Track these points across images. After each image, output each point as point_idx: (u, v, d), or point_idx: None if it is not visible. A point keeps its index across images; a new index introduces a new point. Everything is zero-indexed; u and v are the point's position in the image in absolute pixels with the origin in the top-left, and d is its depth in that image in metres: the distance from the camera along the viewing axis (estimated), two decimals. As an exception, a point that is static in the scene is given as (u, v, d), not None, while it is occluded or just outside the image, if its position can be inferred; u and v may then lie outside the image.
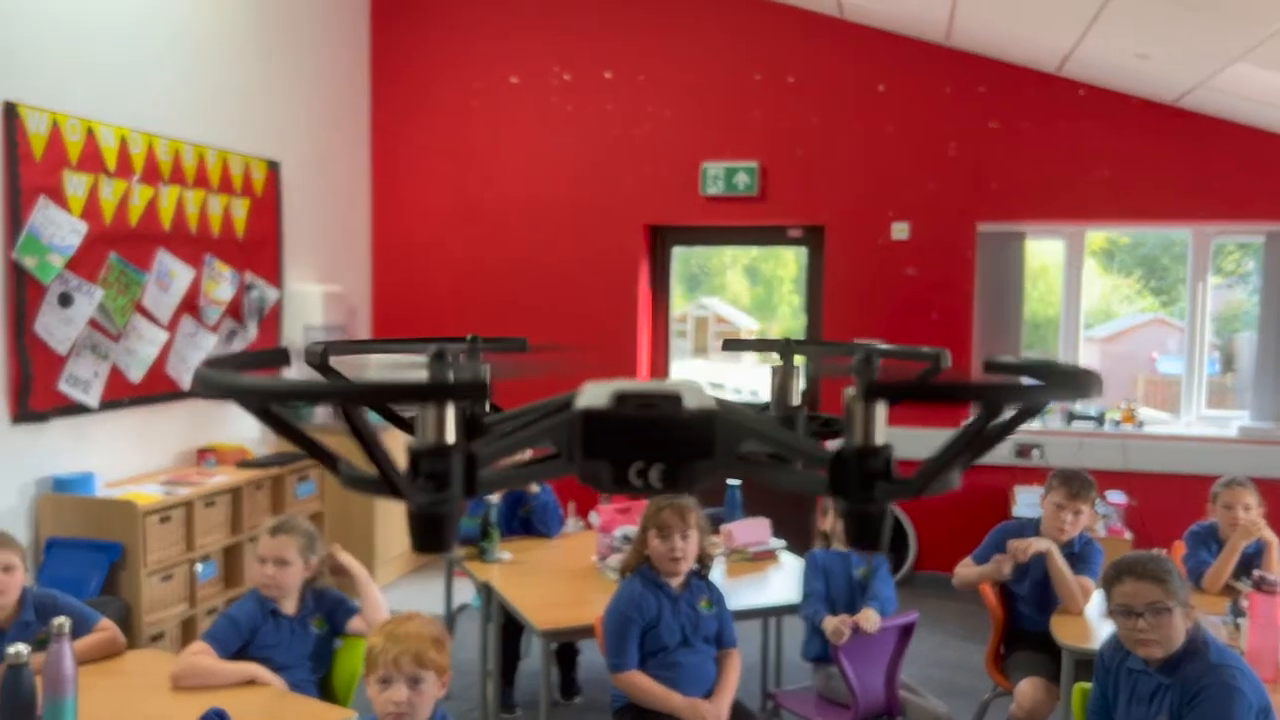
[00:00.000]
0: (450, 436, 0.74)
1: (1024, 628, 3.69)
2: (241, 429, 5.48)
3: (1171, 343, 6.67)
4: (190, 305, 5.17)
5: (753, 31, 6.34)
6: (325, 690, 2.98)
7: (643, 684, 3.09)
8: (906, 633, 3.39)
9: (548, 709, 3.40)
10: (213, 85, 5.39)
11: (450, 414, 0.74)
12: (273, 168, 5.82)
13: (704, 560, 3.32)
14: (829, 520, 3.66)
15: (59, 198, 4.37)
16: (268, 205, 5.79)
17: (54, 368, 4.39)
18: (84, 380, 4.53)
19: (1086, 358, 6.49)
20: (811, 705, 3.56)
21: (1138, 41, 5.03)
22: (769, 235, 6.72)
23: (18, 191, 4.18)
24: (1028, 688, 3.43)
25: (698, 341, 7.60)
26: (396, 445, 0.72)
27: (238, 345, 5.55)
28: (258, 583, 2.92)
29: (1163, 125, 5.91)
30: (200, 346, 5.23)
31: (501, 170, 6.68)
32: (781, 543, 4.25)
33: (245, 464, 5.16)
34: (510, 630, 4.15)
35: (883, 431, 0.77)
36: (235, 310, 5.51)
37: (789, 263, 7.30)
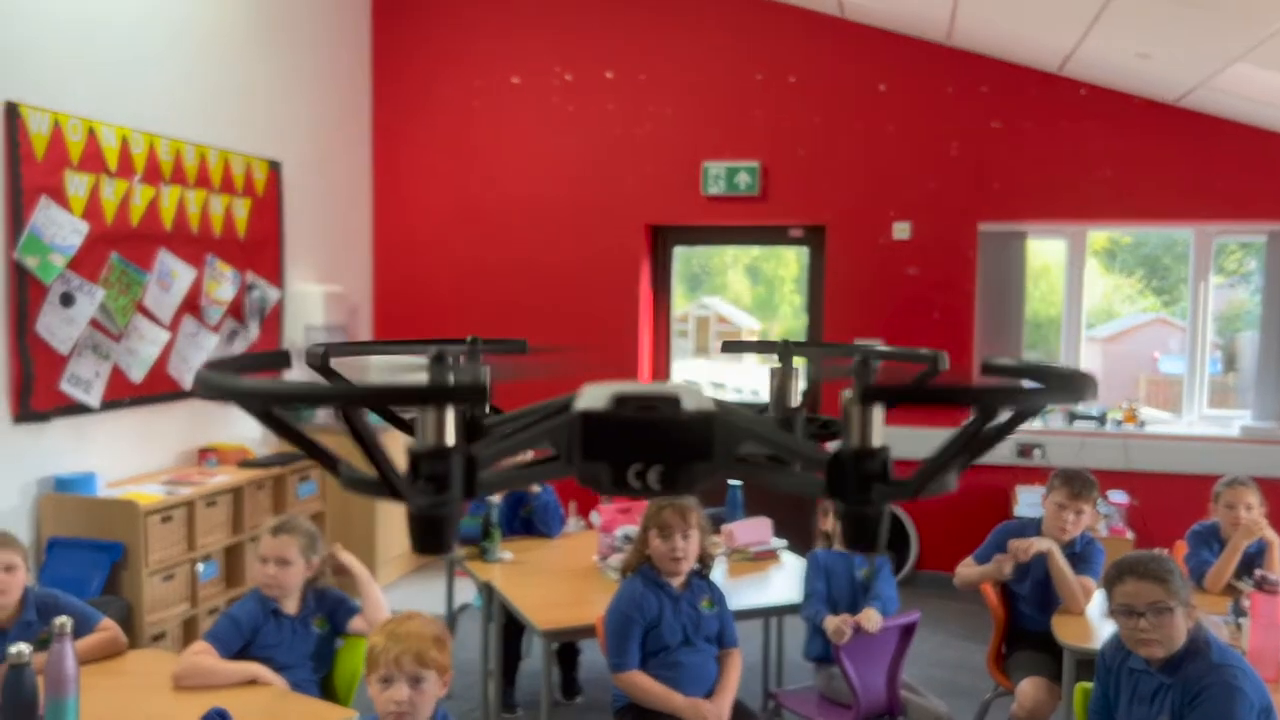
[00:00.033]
0: (450, 439, 0.74)
1: (1025, 627, 3.69)
2: (243, 429, 5.49)
3: (1173, 342, 6.67)
4: (192, 305, 5.17)
5: (754, 31, 6.34)
6: (326, 690, 2.98)
7: (644, 684, 3.09)
8: (908, 632, 3.39)
9: (549, 709, 3.40)
10: (214, 85, 5.39)
11: (450, 416, 0.74)
12: (274, 168, 5.83)
13: (705, 560, 3.32)
14: (830, 520, 3.66)
15: (60, 198, 4.37)
16: (269, 205, 5.79)
17: (55, 368, 4.39)
18: (85, 380, 4.54)
19: (1088, 358, 6.48)
20: (813, 705, 3.56)
21: (1139, 41, 5.02)
22: (770, 235, 6.72)
23: (19, 191, 4.19)
24: (1029, 687, 3.43)
25: (699, 341, 7.60)
26: (397, 447, 0.72)
27: (239, 345, 5.55)
28: (259, 582, 2.93)
29: (1164, 125, 5.90)
30: (202, 346, 5.24)
31: (503, 170, 6.69)
32: (783, 542, 4.25)
33: (246, 464, 5.16)
34: (511, 630, 4.15)
35: (880, 434, 0.77)
36: (236, 310, 5.51)
37: (790, 262, 7.31)
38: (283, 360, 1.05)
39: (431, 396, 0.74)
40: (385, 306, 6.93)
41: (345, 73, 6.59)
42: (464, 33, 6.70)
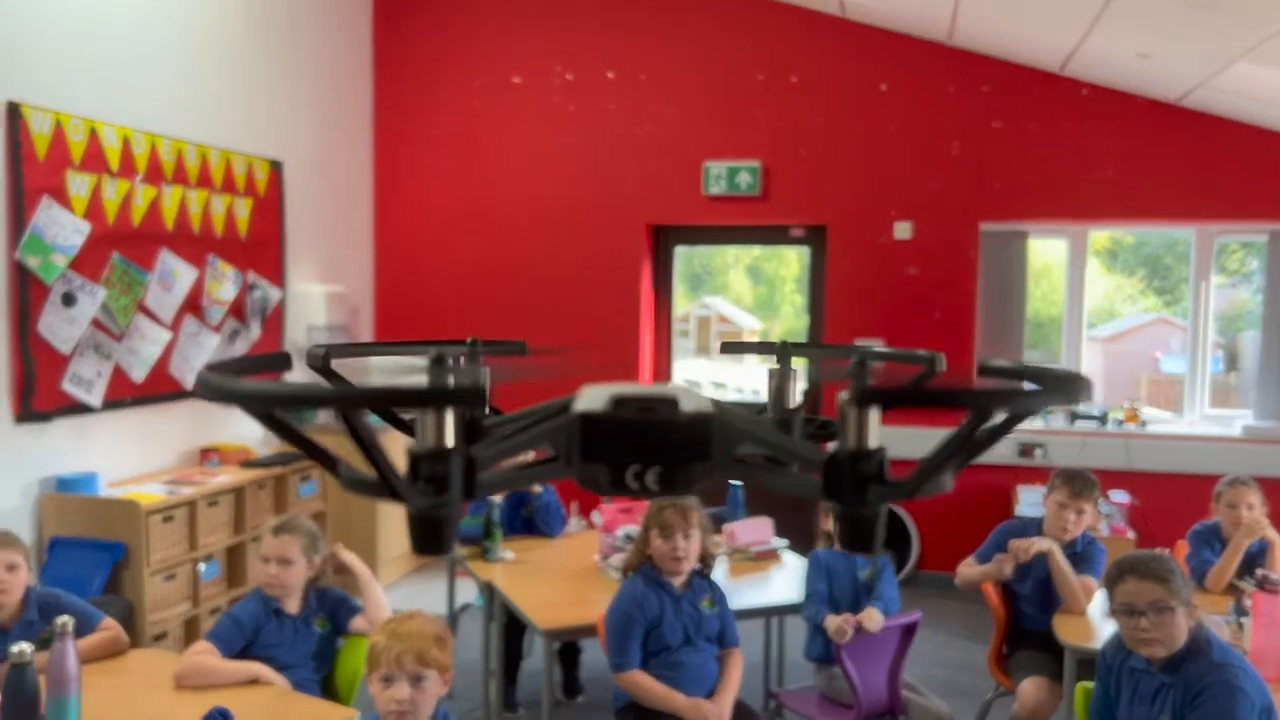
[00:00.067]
0: (449, 440, 0.75)
1: (1026, 627, 3.69)
2: (244, 429, 5.49)
3: (1175, 342, 6.67)
4: (193, 305, 5.18)
5: (755, 31, 6.34)
6: (328, 689, 2.98)
7: (645, 683, 3.09)
8: (909, 632, 3.39)
9: (550, 708, 3.41)
10: (215, 85, 5.40)
11: (449, 418, 0.74)
12: (275, 167, 5.83)
13: (706, 560, 3.32)
14: (832, 520, 3.66)
15: (62, 198, 4.37)
16: (270, 205, 5.80)
17: (57, 367, 4.40)
18: (87, 380, 4.54)
19: (1089, 357, 6.48)
20: (814, 705, 3.56)
21: (1140, 41, 5.02)
22: (771, 235, 6.72)
23: (21, 191, 4.19)
24: (1030, 687, 3.43)
25: (700, 341, 7.60)
26: (397, 447, 0.72)
27: (240, 345, 5.56)
28: (261, 582, 2.93)
29: (1166, 124, 5.90)
30: (203, 346, 5.24)
31: (504, 170, 6.69)
32: (784, 542, 4.25)
33: (248, 464, 5.17)
34: (513, 629, 4.15)
35: (876, 435, 0.77)
36: (238, 310, 5.52)
37: (791, 262, 7.31)
38: (283, 362, 1.06)
39: (431, 399, 0.75)
40: (387, 306, 6.93)
41: (346, 72, 6.59)
42: (465, 32, 6.71)
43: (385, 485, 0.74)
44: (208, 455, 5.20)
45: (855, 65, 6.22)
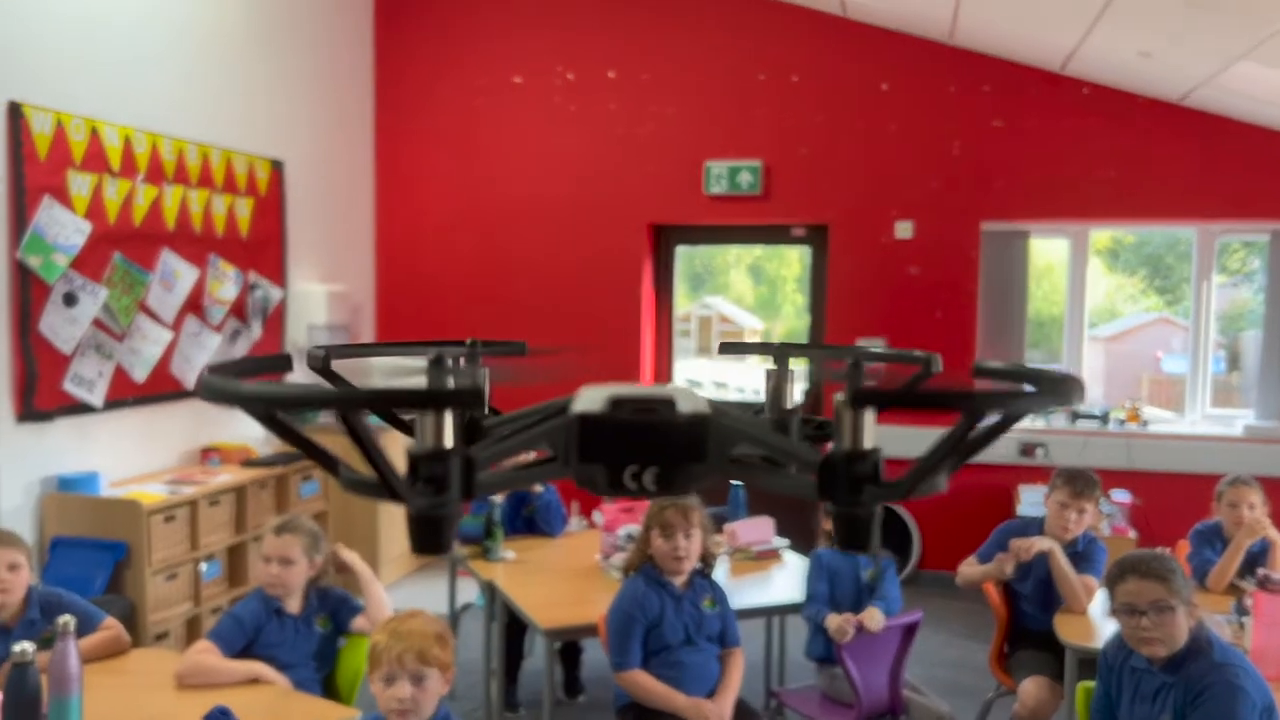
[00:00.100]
0: (448, 441, 0.75)
1: (1028, 627, 3.69)
2: (245, 429, 5.49)
3: (1176, 342, 6.66)
4: (194, 305, 5.18)
5: (756, 30, 6.34)
6: (329, 689, 2.99)
7: (646, 683, 3.09)
8: (910, 632, 3.39)
9: (551, 708, 3.41)
10: (216, 85, 5.40)
11: (448, 419, 0.75)
12: (276, 167, 5.83)
13: (707, 559, 3.32)
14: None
15: (63, 197, 4.38)
16: (271, 205, 5.80)
17: (59, 367, 4.40)
18: (88, 380, 4.55)
19: (1091, 357, 6.48)
20: (815, 704, 3.56)
21: (1141, 40, 5.02)
22: (772, 234, 6.72)
23: (22, 191, 4.20)
24: (1031, 687, 3.43)
25: (701, 341, 7.60)
26: (397, 448, 0.73)
27: (241, 345, 5.57)
28: (262, 582, 2.93)
29: (1167, 124, 5.90)
30: (204, 346, 5.25)
31: (505, 169, 6.69)
32: (785, 542, 4.25)
33: (249, 463, 5.17)
34: (514, 629, 4.16)
35: (872, 436, 0.78)
36: (239, 310, 5.52)
37: (793, 262, 7.31)
38: (284, 363, 1.06)
39: (430, 401, 0.76)
40: (388, 306, 6.94)
41: (347, 72, 6.60)
42: (466, 32, 6.71)
43: (384, 486, 0.74)
44: (209, 455, 5.21)
45: (856, 65, 6.22)
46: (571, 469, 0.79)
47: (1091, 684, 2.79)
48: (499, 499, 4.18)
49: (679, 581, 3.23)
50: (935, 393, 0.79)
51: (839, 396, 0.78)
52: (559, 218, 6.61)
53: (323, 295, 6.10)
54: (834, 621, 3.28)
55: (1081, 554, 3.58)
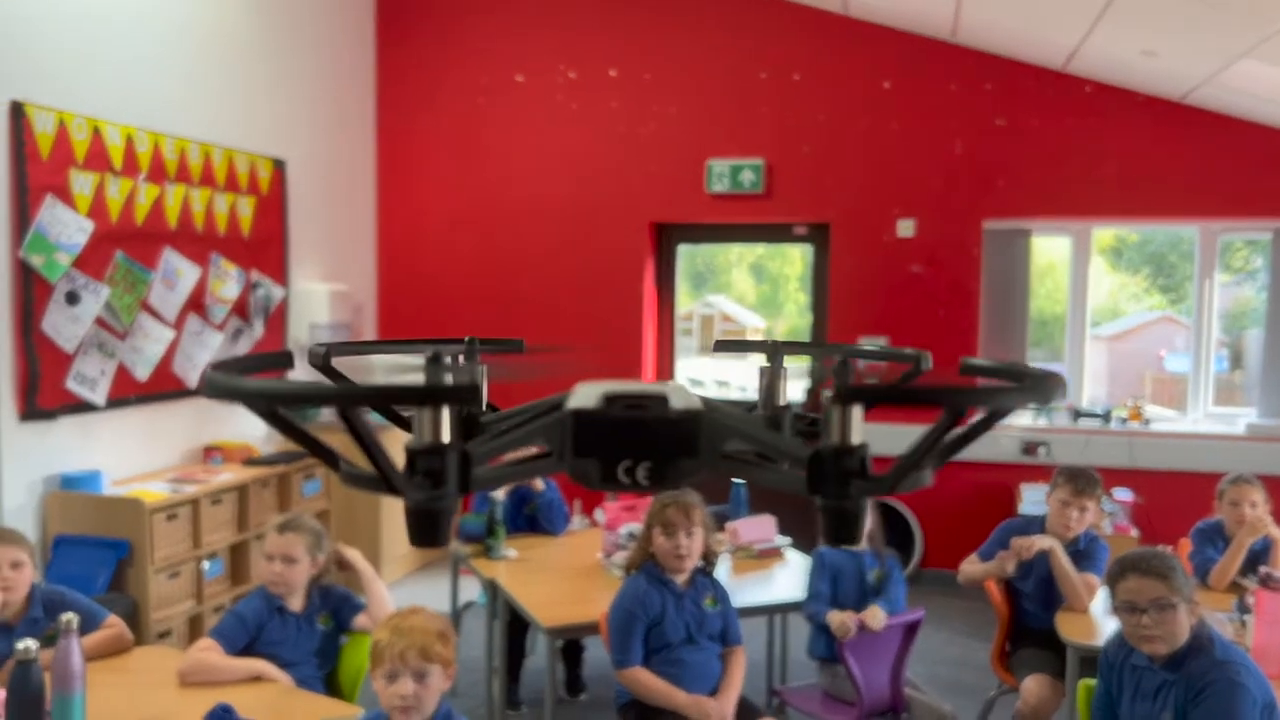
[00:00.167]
0: (445, 436, 0.76)
1: (1029, 625, 3.69)
2: (247, 427, 5.50)
3: (1179, 340, 6.66)
4: (196, 304, 5.19)
5: (758, 29, 6.34)
6: (331, 686, 2.99)
7: (647, 681, 3.10)
8: (912, 630, 3.39)
9: (553, 706, 3.42)
10: (218, 84, 5.41)
11: (445, 415, 0.76)
12: (278, 166, 5.84)
13: (709, 557, 3.32)
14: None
15: (66, 196, 4.39)
16: (273, 204, 5.81)
17: (61, 366, 4.41)
18: (91, 378, 4.55)
19: (1093, 356, 6.48)
20: (817, 702, 3.56)
21: (1144, 38, 5.02)
22: (774, 233, 6.72)
23: (25, 190, 4.20)
24: (1033, 685, 3.43)
25: (703, 340, 7.61)
26: (397, 444, 0.74)
27: (244, 344, 5.57)
28: (265, 580, 2.94)
29: (1170, 122, 5.89)
30: (206, 345, 5.25)
31: (507, 168, 6.70)
32: (787, 540, 4.25)
33: (251, 462, 5.18)
34: (516, 627, 4.16)
35: (859, 431, 0.80)
36: (241, 309, 5.53)
37: (795, 260, 7.32)
38: (286, 361, 1.08)
39: (428, 397, 0.77)
40: (390, 304, 6.95)
41: (349, 71, 6.61)
42: (468, 31, 6.71)
43: (383, 480, 0.75)
44: (211, 453, 5.22)
45: (858, 63, 6.22)
46: (566, 464, 0.80)
47: (1093, 682, 2.79)
48: (501, 497, 4.18)
49: (681, 580, 3.23)
50: (918, 389, 0.81)
51: (827, 393, 0.80)
52: (561, 216, 6.61)
53: (324, 294, 6.10)
54: (836, 618, 3.28)
55: (1083, 552, 3.58)
